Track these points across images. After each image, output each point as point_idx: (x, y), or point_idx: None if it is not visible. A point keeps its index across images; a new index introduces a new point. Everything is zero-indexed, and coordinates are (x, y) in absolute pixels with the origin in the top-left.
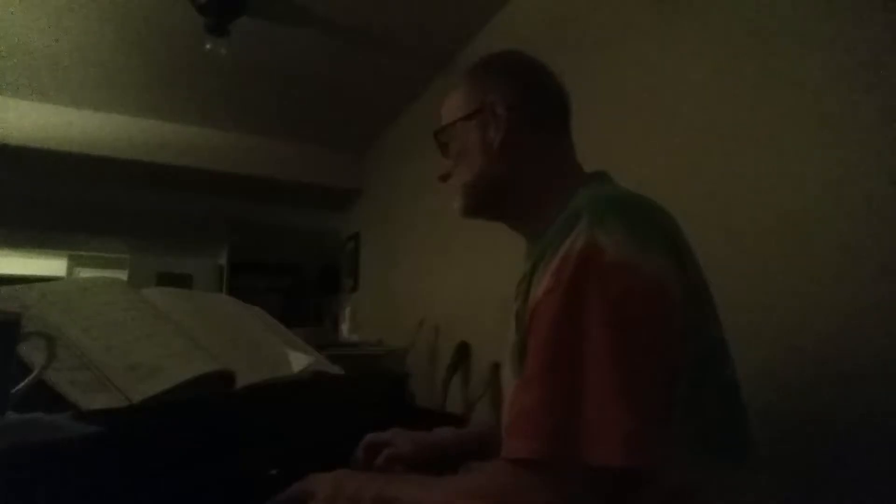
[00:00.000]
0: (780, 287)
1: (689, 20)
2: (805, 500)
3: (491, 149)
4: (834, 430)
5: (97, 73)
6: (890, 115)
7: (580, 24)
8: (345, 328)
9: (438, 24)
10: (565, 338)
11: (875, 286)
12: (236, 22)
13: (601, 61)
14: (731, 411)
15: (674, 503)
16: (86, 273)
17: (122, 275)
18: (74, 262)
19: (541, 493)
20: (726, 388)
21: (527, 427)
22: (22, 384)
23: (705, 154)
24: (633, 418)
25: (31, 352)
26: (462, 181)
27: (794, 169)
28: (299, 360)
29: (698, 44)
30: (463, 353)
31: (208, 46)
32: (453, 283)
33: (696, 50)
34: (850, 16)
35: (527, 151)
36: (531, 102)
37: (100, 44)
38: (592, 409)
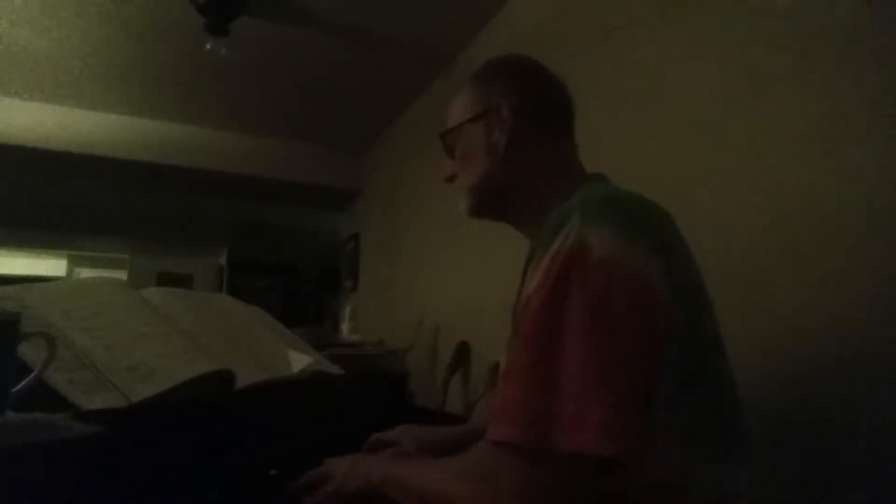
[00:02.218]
0: (778, 286)
1: (690, 20)
2: (803, 499)
3: (496, 151)
4: (831, 429)
5: (97, 73)
6: (891, 115)
7: (580, 24)
8: (345, 328)
9: (438, 25)
10: (547, 330)
11: (874, 286)
12: (236, 22)
13: (601, 61)
14: (725, 407)
15: (662, 495)
16: (86, 273)
17: (122, 275)
18: (74, 262)
19: (520, 474)
20: (720, 385)
21: (509, 414)
22: (22, 384)
23: (705, 154)
24: (608, 409)
25: (31, 352)
26: (468, 182)
27: (793, 169)
28: (299, 360)
29: (698, 44)
30: (463, 353)
31: (208, 46)
32: (453, 283)
33: (696, 50)
34: (852, 15)
35: (531, 153)
36: (535, 105)
37: (100, 44)
38: (570, 399)
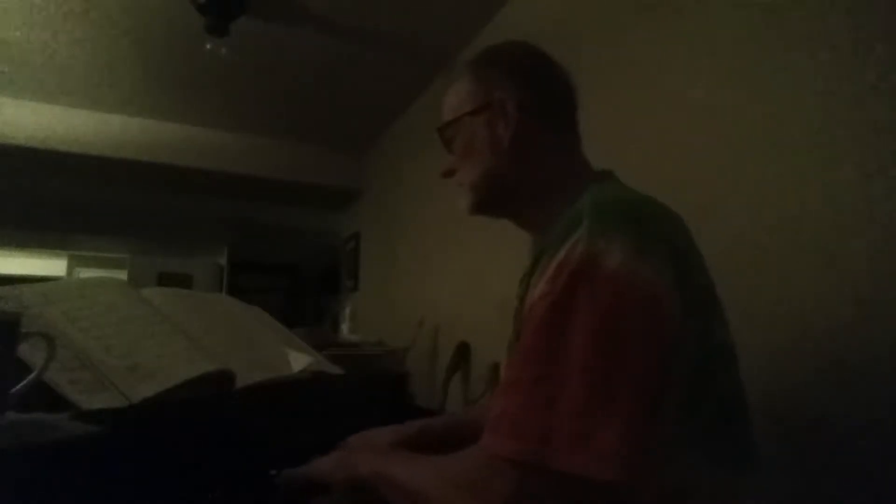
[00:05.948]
0: (779, 288)
1: (691, 20)
2: (805, 501)
3: (500, 146)
4: (834, 430)
5: (97, 72)
6: (890, 119)
7: (580, 25)
8: (345, 328)
9: (438, 24)
10: (551, 345)
11: (874, 287)
12: (236, 22)
13: (601, 61)
14: (734, 418)
15: None
16: (86, 273)
17: (122, 275)
18: (74, 262)
19: (513, 488)
20: (729, 394)
21: (506, 427)
22: (22, 384)
23: (706, 154)
24: (611, 430)
25: (31, 352)
26: (469, 178)
27: (794, 170)
28: (299, 360)
29: (700, 44)
30: (463, 353)
31: (208, 46)
32: (453, 283)
33: (698, 50)
34: (852, 20)
35: (536, 149)
36: (540, 98)
37: (100, 44)
38: (571, 418)
